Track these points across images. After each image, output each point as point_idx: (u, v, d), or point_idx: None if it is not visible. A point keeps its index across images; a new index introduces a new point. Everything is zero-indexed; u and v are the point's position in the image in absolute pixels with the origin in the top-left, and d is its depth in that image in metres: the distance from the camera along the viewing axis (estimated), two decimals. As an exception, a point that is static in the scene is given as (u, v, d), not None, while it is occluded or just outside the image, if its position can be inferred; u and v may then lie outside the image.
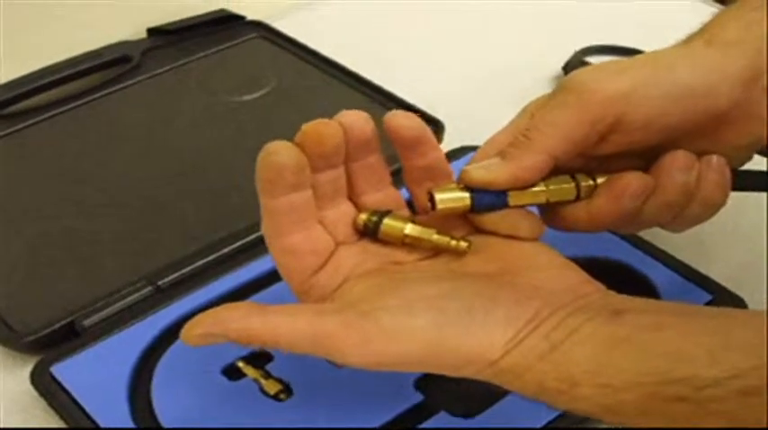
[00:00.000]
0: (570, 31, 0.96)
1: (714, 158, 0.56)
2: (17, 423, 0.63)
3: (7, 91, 0.87)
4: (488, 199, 0.54)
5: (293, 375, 0.62)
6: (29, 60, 0.89)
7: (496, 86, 0.91)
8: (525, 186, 0.55)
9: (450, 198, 0.54)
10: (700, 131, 0.56)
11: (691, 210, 0.57)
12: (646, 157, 0.57)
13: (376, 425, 0.59)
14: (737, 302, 0.67)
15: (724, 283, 0.68)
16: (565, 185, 0.56)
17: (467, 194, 0.54)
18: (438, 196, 0.54)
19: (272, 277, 0.69)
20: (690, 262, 0.70)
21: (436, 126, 0.82)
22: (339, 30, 1.00)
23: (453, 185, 0.55)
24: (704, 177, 0.56)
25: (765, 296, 0.69)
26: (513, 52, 0.96)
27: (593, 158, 0.57)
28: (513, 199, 0.55)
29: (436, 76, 0.93)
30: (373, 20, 1.03)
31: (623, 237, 0.71)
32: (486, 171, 0.55)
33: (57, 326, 0.66)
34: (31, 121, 0.85)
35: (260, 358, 0.64)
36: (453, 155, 0.79)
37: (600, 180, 0.57)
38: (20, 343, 0.66)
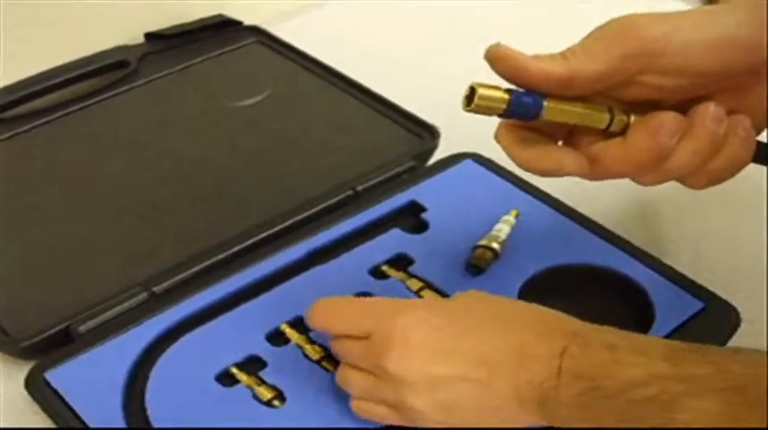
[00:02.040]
0: (567, 39, 0.96)
1: (741, 117, 0.57)
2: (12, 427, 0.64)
3: (5, 95, 0.87)
4: (527, 101, 0.54)
5: (287, 382, 0.62)
6: (27, 65, 0.89)
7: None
8: (565, 97, 0.55)
9: (491, 96, 0.54)
10: (729, 87, 0.58)
11: (715, 164, 0.57)
12: (676, 110, 0.57)
13: None
14: (730, 310, 0.67)
15: (717, 292, 0.68)
16: (599, 111, 0.56)
17: (507, 95, 0.54)
18: (480, 90, 0.53)
19: (266, 283, 0.70)
20: (684, 270, 0.70)
21: (432, 133, 0.83)
22: (336, 36, 1.00)
23: (498, 86, 0.55)
24: (732, 133, 0.57)
25: (759, 304, 0.69)
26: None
27: (625, 105, 0.58)
28: (548, 111, 0.55)
29: (431, 82, 0.93)
30: (370, 26, 1.04)
31: (617, 246, 0.71)
32: (543, 62, 0.55)
33: (52, 331, 0.66)
34: (28, 126, 0.85)
35: (253, 364, 0.64)
36: (449, 162, 0.80)
37: (633, 119, 0.57)
38: (15, 348, 0.66)
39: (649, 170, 0.57)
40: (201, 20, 0.97)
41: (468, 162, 0.79)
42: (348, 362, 0.59)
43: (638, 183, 0.59)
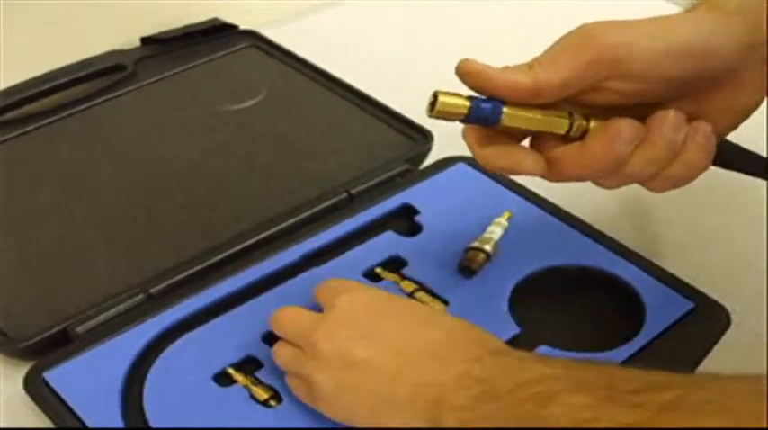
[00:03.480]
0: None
1: (702, 123, 0.59)
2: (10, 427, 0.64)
3: (1, 99, 0.88)
4: (486, 108, 0.56)
5: (282, 382, 0.63)
6: (23, 68, 0.90)
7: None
8: (526, 105, 0.57)
9: (452, 103, 0.56)
10: (692, 92, 0.60)
11: (673, 170, 0.59)
12: (638, 116, 0.59)
13: None
14: (720, 311, 0.68)
15: (709, 293, 0.69)
16: (558, 117, 0.58)
17: (468, 102, 0.56)
18: (441, 97, 0.56)
19: (262, 285, 0.70)
20: (675, 271, 0.71)
21: (425, 136, 0.83)
22: (330, 40, 1.01)
23: (460, 94, 0.57)
24: (691, 139, 0.59)
25: (749, 305, 0.70)
26: (497, 61, 0.98)
27: (588, 109, 0.59)
28: (508, 117, 0.57)
29: (425, 86, 0.93)
30: (364, 31, 1.05)
31: (608, 247, 0.72)
32: (509, 73, 0.57)
33: (50, 332, 0.67)
34: (25, 129, 0.86)
35: (249, 365, 0.65)
36: (442, 165, 0.80)
37: (593, 124, 0.59)
38: (14, 348, 0.67)
39: (607, 175, 0.59)
40: (197, 24, 0.98)
41: (462, 165, 0.80)
42: (285, 337, 0.63)
43: (598, 185, 0.61)
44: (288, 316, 0.63)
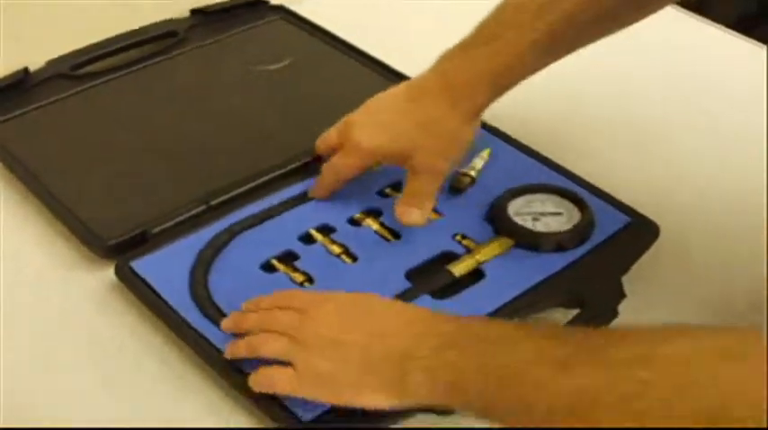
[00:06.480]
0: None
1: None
2: (98, 313, 0.79)
3: (79, 56, 1.04)
4: None
5: (314, 270, 0.79)
6: (95, 32, 1.06)
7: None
8: None
9: None
10: None
11: None
12: None
13: None
14: (650, 224, 0.83)
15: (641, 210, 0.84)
16: None
17: None
18: None
19: (298, 199, 0.86)
20: (613, 191, 0.86)
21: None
22: (350, 13, 1.15)
23: None
24: None
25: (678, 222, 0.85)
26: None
27: None
28: None
29: (436, 55, 1.07)
30: (382, 5, 1.18)
31: (567, 176, 0.88)
32: None
33: (132, 233, 0.83)
34: (98, 81, 1.02)
35: (289, 257, 0.81)
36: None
37: None
38: (103, 246, 0.82)
39: None
40: (237, -1, 1.14)
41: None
42: (273, 329, 0.71)
43: None
44: (274, 315, 0.72)
